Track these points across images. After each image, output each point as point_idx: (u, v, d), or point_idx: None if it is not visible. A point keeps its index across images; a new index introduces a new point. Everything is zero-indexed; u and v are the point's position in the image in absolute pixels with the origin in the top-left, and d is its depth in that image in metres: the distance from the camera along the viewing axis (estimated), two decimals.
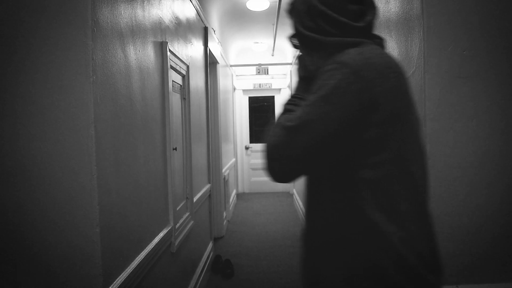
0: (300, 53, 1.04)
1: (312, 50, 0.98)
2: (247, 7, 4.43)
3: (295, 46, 1.05)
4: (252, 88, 7.68)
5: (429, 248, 0.88)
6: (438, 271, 0.90)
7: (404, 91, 0.90)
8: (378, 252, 0.84)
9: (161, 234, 2.00)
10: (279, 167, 0.87)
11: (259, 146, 7.57)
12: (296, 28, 1.01)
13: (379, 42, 0.97)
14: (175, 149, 2.39)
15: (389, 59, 0.90)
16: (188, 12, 2.89)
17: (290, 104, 0.96)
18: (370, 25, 0.96)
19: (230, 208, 5.79)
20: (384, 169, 0.85)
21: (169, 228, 2.16)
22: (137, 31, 1.70)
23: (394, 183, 0.86)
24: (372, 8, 0.97)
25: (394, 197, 0.86)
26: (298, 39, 1.01)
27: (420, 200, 0.90)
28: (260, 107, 7.81)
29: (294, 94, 1.00)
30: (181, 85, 2.68)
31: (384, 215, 0.84)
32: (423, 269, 0.84)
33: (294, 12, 1.02)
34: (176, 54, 2.40)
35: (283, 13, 4.45)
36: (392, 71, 0.87)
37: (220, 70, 4.80)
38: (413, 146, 0.92)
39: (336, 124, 0.83)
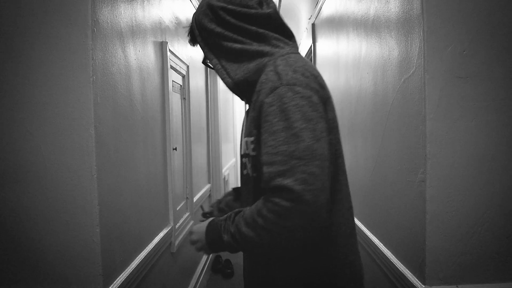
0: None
1: (227, 62, 0.95)
2: None
3: (211, 67, 1.03)
4: None
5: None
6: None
7: (329, 94, 0.93)
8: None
9: (161, 234, 2.00)
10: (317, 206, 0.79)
11: None
12: (203, 46, 0.99)
13: (288, 42, 0.97)
14: (175, 149, 2.39)
15: (315, 69, 0.93)
16: (188, 12, 2.89)
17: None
18: (275, 14, 0.95)
19: None
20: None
21: (169, 228, 2.16)
22: (137, 31, 1.70)
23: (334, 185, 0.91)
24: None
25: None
26: (208, 56, 0.99)
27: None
28: None
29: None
30: (181, 85, 2.68)
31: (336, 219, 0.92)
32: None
33: (196, 34, 1.00)
34: (176, 54, 2.40)
35: (283, 13, 4.44)
36: (320, 77, 0.91)
37: None
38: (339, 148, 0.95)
39: (325, 133, 0.84)
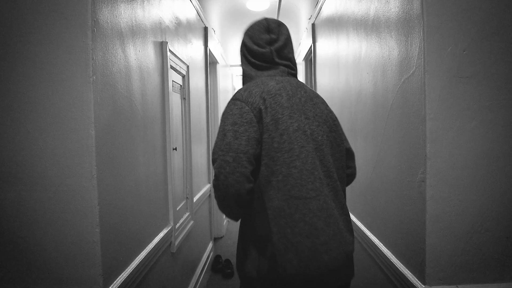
0: None
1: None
2: (247, 7, 4.43)
3: None
4: None
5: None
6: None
7: (283, 104, 1.19)
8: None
9: (161, 234, 2.00)
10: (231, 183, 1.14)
11: None
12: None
13: (283, 70, 1.32)
14: (175, 149, 2.39)
15: (268, 85, 1.23)
16: (188, 12, 2.89)
17: None
18: (277, 50, 1.32)
19: None
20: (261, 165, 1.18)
21: (169, 228, 2.16)
22: (137, 31, 1.70)
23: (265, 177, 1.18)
24: (281, 35, 1.34)
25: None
26: None
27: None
28: None
29: None
30: (181, 85, 2.68)
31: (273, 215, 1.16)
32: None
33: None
34: (176, 54, 2.40)
35: (283, 13, 4.45)
36: (267, 94, 1.20)
37: (220, 70, 4.80)
38: (283, 146, 1.17)
39: (245, 134, 1.15)
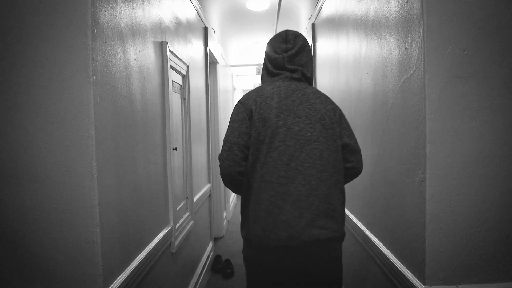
0: None
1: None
2: (247, 7, 4.43)
3: None
4: (252, 88, 7.68)
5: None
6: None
7: (272, 105, 1.43)
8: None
9: (161, 234, 2.00)
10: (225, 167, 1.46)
11: None
12: None
13: (288, 75, 1.52)
14: (175, 149, 2.39)
15: (264, 90, 1.48)
16: (188, 12, 2.89)
17: None
18: (291, 56, 1.53)
19: (230, 208, 5.79)
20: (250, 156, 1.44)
21: (169, 228, 2.16)
22: (137, 31, 1.70)
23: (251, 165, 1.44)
24: (296, 44, 1.54)
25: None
26: None
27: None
28: None
29: None
30: (181, 85, 2.68)
31: (253, 194, 1.42)
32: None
33: None
34: (176, 54, 2.40)
35: (283, 13, 4.44)
36: (260, 97, 1.46)
37: (220, 70, 4.80)
38: (268, 139, 1.41)
39: (238, 129, 1.45)
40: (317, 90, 1.52)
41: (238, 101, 1.50)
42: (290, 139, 1.39)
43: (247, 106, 1.45)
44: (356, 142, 1.51)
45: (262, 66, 1.63)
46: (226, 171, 1.44)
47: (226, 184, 1.51)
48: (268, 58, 1.58)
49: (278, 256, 1.37)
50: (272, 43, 1.59)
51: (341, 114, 1.51)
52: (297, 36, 1.55)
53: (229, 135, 1.45)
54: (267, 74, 1.57)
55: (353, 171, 1.51)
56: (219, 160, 1.46)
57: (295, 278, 1.41)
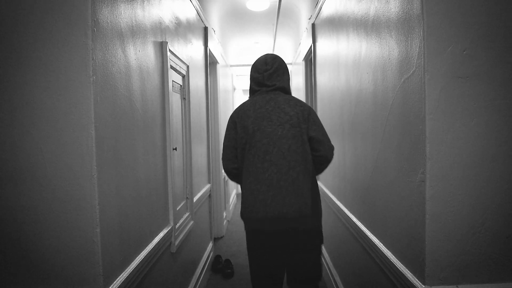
0: None
1: None
2: (247, 7, 4.43)
3: None
4: None
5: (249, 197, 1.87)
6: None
7: (250, 115, 1.90)
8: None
9: (161, 234, 2.00)
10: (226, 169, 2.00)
11: None
12: None
13: (265, 89, 1.96)
14: (175, 149, 2.39)
15: (245, 104, 1.96)
16: (188, 12, 2.89)
17: None
18: (268, 76, 1.97)
19: (230, 208, 5.79)
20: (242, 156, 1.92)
21: (169, 228, 2.16)
22: (137, 31, 1.70)
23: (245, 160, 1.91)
24: (274, 65, 1.99)
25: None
26: None
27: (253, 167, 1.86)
28: None
29: None
30: (181, 85, 2.68)
31: (243, 183, 1.91)
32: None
33: None
34: (176, 54, 2.40)
35: (283, 13, 4.44)
36: (241, 110, 1.94)
37: (220, 70, 4.80)
38: (252, 141, 1.88)
39: (230, 136, 1.96)
40: (289, 97, 1.93)
41: (230, 116, 1.97)
42: (264, 138, 1.84)
43: (233, 119, 1.95)
44: (322, 134, 1.90)
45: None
46: (224, 167, 1.97)
47: (228, 177, 2.00)
48: (252, 78, 2.01)
49: (259, 226, 1.85)
50: (255, 65, 2.02)
51: (309, 113, 1.89)
52: (274, 58, 2.00)
53: (224, 141, 1.96)
54: (251, 92, 2.02)
55: (322, 158, 1.90)
56: (222, 160, 1.98)
57: (275, 242, 1.88)
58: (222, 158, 1.94)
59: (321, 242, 1.97)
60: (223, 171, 5.04)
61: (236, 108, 1.99)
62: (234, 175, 1.97)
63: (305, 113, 1.87)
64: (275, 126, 1.84)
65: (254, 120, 1.87)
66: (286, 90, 1.99)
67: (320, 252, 1.96)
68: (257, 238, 1.91)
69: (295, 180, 1.79)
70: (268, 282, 1.94)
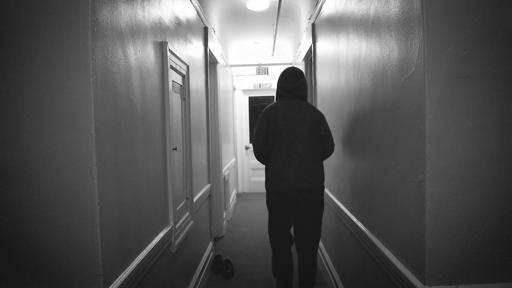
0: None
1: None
2: (247, 7, 4.43)
3: None
4: (252, 88, 7.68)
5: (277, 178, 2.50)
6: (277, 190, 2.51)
7: (280, 114, 2.50)
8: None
9: (161, 234, 2.00)
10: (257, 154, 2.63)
11: None
12: None
13: (291, 96, 2.59)
14: (175, 149, 2.39)
15: (276, 105, 2.57)
16: (188, 12, 2.89)
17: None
18: (296, 86, 2.59)
19: (230, 208, 5.79)
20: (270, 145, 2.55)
21: (169, 228, 2.16)
22: (137, 31, 1.70)
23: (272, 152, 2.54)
24: (300, 79, 2.62)
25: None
26: None
27: (280, 160, 2.48)
28: (260, 107, 7.80)
29: None
30: (181, 85, 2.68)
31: (271, 164, 2.53)
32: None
33: None
34: (176, 54, 2.40)
35: (283, 13, 4.44)
36: (274, 109, 2.54)
37: (220, 70, 4.80)
38: (279, 134, 2.49)
39: (262, 127, 2.57)
40: (307, 104, 2.56)
41: (263, 111, 2.58)
42: (289, 133, 2.46)
43: (267, 115, 2.53)
44: (329, 133, 2.55)
45: (276, 87, 2.69)
46: (255, 150, 2.57)
47: (257, 158, 2.62)
48: (280, 85, 2.62)
49: (283, 197, 2.48)
50: (285, 76, 2.62)
51: (321, 118, 2.53)
52: (300, 73, 2.62)
53: (257, 131, 2.56)
54: (279, 95, 2.64)
55: (328, 148, 2.56)
56: (253, 144, 2.58)
57: (293, 210, 2.52)
58: (254, 143, 2.56)
59: (323, 210, 2.58)
60: (223, 169, 5.10)
61: (268, 107, 2.60)
62: (262, 157, 2.58)
63: (318, 117, 2.51)
64: (298, 124, 2.46)
65: (283, 118, 2.47)
66: (305, 98, 2.62)
67: (320, 223, 2.56)
68: (279, 203, 2.52)
69: (310, 164, 2.44)
70: (281, 227, 2.61)
